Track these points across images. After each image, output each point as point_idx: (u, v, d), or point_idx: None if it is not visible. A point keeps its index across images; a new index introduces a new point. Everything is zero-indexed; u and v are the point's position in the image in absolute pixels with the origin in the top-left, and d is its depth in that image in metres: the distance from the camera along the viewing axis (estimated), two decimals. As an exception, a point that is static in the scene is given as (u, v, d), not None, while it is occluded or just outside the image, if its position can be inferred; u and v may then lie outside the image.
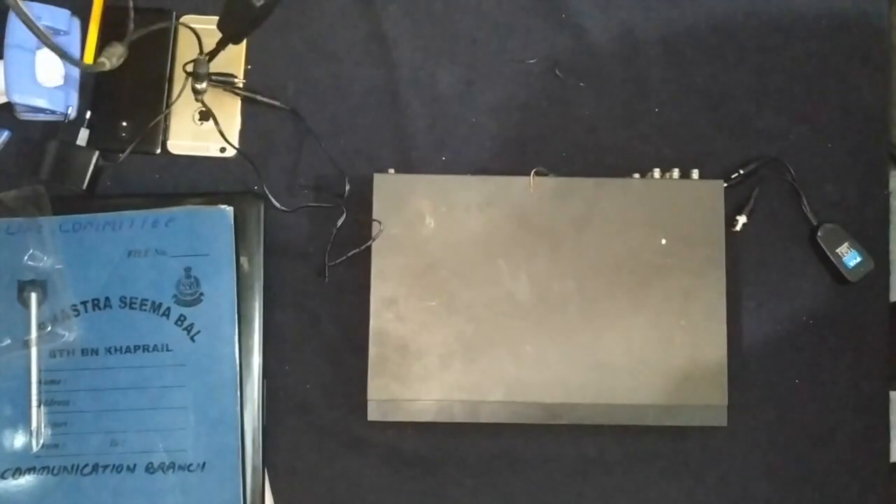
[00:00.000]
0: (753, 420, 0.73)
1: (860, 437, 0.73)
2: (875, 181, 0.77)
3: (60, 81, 0.73)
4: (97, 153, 0.72)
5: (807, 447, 0.73)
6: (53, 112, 0.73)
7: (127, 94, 0.75)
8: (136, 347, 0.69)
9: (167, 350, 0.69)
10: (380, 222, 0.70)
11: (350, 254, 0.71)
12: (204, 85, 0.70)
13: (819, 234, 0.74)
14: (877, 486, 0.73)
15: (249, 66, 0.75)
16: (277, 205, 0.72)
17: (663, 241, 0.71)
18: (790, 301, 0.75)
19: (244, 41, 0.74)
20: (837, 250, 0.73)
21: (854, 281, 0.74)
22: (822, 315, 0.75)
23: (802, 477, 0.73)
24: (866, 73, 0.77)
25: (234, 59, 0.75)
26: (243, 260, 0.71)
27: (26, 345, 0.69)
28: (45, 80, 0.73)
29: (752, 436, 0.73)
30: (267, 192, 0.72)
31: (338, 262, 0.72)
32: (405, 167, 0.74)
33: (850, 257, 0.73)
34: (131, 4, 0.72)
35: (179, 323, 0.69)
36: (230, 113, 0.75)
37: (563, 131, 0.76)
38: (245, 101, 0.75)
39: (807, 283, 0.75)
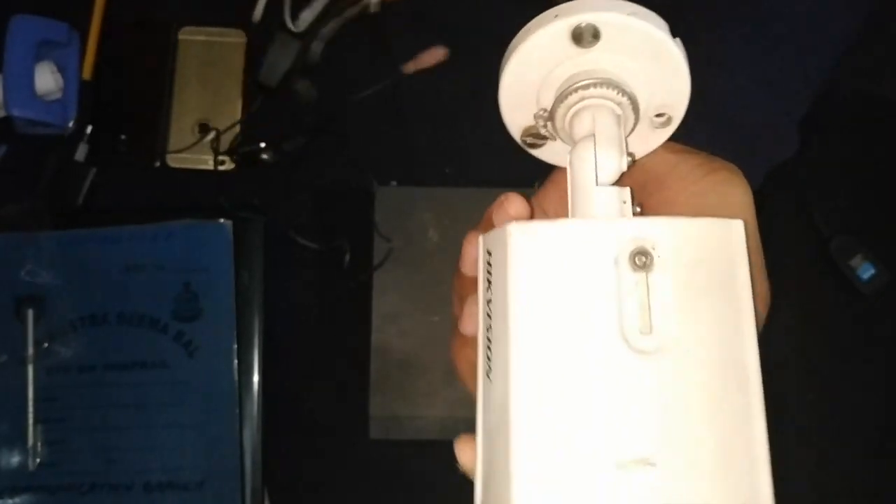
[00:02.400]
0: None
1: (875, 453, 0.72)
2: (890, 190, 0.75)
3: (59, 95, 0.73)
4: (94, 169, 0.72)
5: (819, 464, 0.71)
6: (52, 126, 0.72)
7: (126, 108, 0.74)
8: (134, 364, 0.68)
9: (165, 367, 0.68)
10: (388, 239, 0.69)
11: (361, 278, 0.70)
12: None
13: (832, 245, 0.72)
14: (878, 494, 0.71)
15: (249, 80, 0.75)
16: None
17: (671, 254, 0.69)
18: (802, 314, 0.73)
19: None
20: (851, 262, 0.72)
21: (868, 294, 0.72)
22: (836, 329, 0.73)
23: (815, 493, 0.71)
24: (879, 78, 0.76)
25: (234, 70, 0.75)
26: (243, 275, 0.70)
27: (23, 361, 0.68)
28: (44, 94, 0.72)
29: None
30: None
31: (358, 280, 0.71)
32: (408, 179, 0.73)
33: (864, 270, 0.72)
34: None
35: (178, 339, 0.68)
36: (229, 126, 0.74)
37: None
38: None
39: (819, 296, 0.73)
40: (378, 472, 0.70)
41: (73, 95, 0.74)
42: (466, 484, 0.71)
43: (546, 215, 0.39)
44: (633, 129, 0.37)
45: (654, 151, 0.39)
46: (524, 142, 0.38)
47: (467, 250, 0.36)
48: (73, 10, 0.74)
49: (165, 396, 0.68)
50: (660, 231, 0.31)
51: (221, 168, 0.73)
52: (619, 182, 0.35)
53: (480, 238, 0.34)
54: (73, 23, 0.74)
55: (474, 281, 0.35)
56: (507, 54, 0.35)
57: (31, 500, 0.67)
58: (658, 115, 0.38)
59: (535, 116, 0.37)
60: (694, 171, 0.39)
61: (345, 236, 0.71)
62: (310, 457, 0.70)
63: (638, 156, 0.39)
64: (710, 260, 0.32)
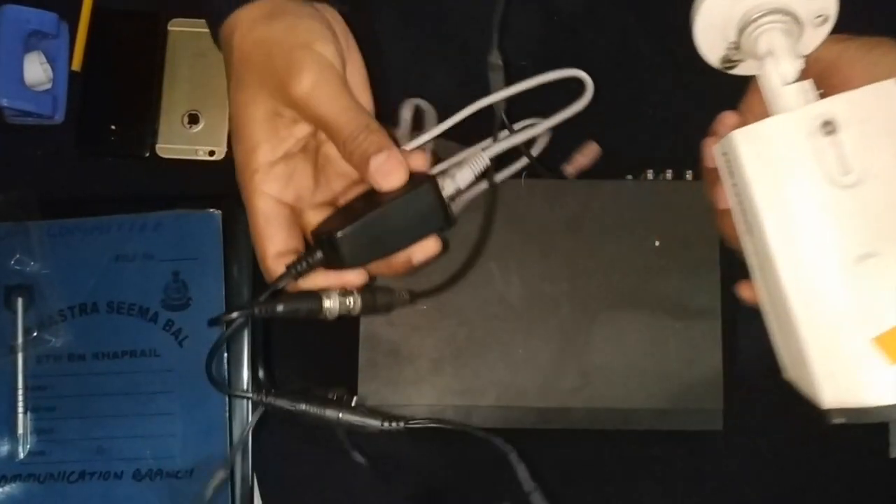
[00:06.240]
0: (749, 424, 0.72)
1: (858, 439, 0.72)
2: None
3: (48, 85, 0.73)
4: (86, 159, 0.72)
5: (804, 451, 0.72)
6: (41, 116, 0.72)
7: (116, 99, 0.74)
8: (124, 353, 0.69)
9: (155, 355, 0.69)
10: None
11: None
12: None
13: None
14: (875, 489, 0.72)
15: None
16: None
17: (657, 243, 0.70)
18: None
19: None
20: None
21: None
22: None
23: (799, 481, 0.72)
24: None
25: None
26: (232, 264, 0.70)
27: (12, 350, 0.68)
28: (33, 85, 0.72)
29: (748, 439, 0.72)
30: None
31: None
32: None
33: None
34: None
35: (167, 328, 0.69)
36: (220, 115, 0.74)
37: (554, 132, 0.75)
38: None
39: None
40: (367, 459, 0.71)
41: (63, 86, 0.74)
42: (451, 470, 0.72)
43: (754, 114, 0.51)
44: (801, 35, 0.50)
45: (821, 45, 0.51)
46: (723, 67, 0.53)
47: (705, 152, 0.51)
48: (62, 0, 0.74)
49: (155, 385, 0.68)
50: (834, 104, 0.45)
51: (211, 158, 0.73)
52: (800, 78, 0.48)
53: (714, 147, 0.50)
54: (63, 13, 0.74)
55: (714, 170, 0.50)
56: (694, 8, 0.51)
57: (20, 489, 0.67)
58: (817, 17, 0.50)
59: (727, 48, 0.51)
60: (859, 50, 0.50)
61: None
62: (298, 445, 0.71)
63: (809, 51, 0.52)
64: (879, 114, 0.45)
